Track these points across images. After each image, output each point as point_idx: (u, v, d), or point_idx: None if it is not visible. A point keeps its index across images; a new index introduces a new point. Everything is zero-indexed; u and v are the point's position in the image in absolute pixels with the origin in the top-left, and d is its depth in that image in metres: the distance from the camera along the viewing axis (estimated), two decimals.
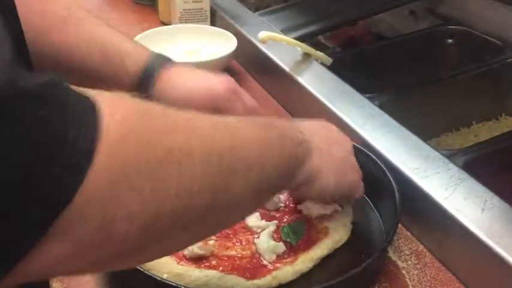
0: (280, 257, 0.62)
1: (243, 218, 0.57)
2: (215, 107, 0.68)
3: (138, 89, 0.67)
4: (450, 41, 1.12)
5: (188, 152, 0.36)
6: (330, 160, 0.58)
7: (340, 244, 0.65)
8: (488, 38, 1.05)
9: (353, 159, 0.63)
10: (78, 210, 0.30)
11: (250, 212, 0.55)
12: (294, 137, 0.52)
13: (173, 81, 0.69)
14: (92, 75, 0.67)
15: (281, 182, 0.51)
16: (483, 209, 0.62)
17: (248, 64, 1.07)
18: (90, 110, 0.32)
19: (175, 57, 1.05)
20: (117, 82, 0.67)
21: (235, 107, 0.70)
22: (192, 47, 1.09)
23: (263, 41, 0.94)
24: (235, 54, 1.03)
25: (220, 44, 1.06)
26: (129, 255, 0.35)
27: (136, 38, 1.05)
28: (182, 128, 0.37)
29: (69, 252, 0.31)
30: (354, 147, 0.74)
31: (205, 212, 0.38)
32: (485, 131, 0.97)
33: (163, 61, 0.71)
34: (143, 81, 0.68)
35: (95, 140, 0.31)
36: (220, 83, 0.72)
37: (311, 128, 0.58)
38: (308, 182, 0.55)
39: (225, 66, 1.03)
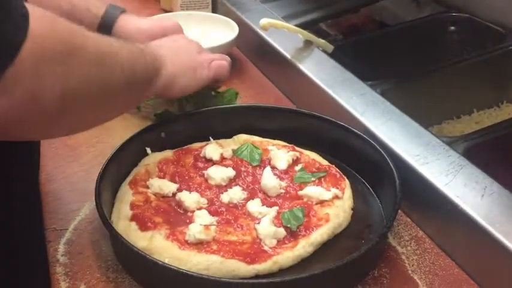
0: (280, 242, 0.63)
1: (126, 106, 0.70)
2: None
3: (100, 28, 0.83)
4: (452, 28, 1.12)
5: (89, 51, 0.53)
6: (180, 66, 0.74)
7: (340, 230, 0.66)
8: (491, 25, 1.05)
9: (201, 57, 0.79)
10: (14, 73, 0.45)
11: (127, 105, 0.69)
12: (151, 54, 0.68)
13: (131, 20, 0.86)
14: None
15: (146, 85, 0.68)
16: (483, 195, 0.63)
17: (249, 51, 1.07)
18: (25, 9, 0.47)
19: None
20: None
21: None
22: (193, 34, 1.09)
23: (264, 28, 0.94)
24: (236, 41, 1.03)
25: (222, 31, 1.06)
26: (49, 121, 0.52)
27: None
28: (91, 38, 0.55)
29: (5, 106, 0.46)
30: (354, 133, 0.74)
31: (98, 92, 0.55)
32: (486, 119, 0.97)
33: (120, 9, 0.87)
34: (105, 21, 0.84)
35: (26, 29, 0.46)
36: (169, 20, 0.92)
37: (163, 46, 0.75)
38: (168, 87, 0.72)
39: (226, 53, 1.03)
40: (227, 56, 0.84)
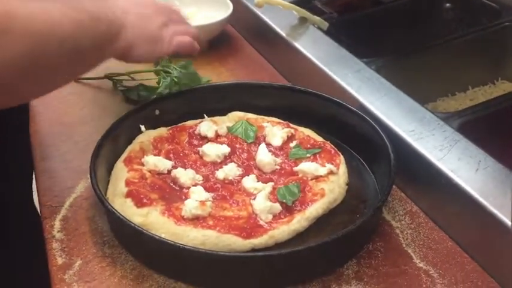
0: (276, 217, 0.63)
1: (67, 79, 0.66)
2: None
3: None
4: (448, 5, 1.11)
5: (21, 31, 0.53)
6: (142, 34, 0.71)
7: (335, 205, 0.66)
8: (486, 1, 1.04)
9: (165, 31, 0.74)
10: None
11: (72, 74, 0.67)
12: (105, 18, 0.65)
13: None
14: None
15: (97, 53, 0.66)
16: (477, 169, 0.63)
17: (244, 29, 1.06)
18: None
19: None
20: None
21: None
22: (187, 12, 1.08)
23: (259, 5, 0.93)
24: (230, 19, 1.02)
25: (216, 8, 1.05)
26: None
27: None
28: (26, 15, 0.53)
29: None
30: (349, 109, 0.74)
31: (33, 68, 0.55)
32: (481, 95, 0.97)
33: None
34: None
35: None
36: None
37: (126, 7, 0.71)
38: (123, 54, 0.70)
39: (220, 31, 1.02)
40: (195, 31, 0.80)
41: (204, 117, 0.78)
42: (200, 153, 0.73)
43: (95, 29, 0.63)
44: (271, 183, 0.67)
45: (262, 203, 0.63)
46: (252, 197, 0.65)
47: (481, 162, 0.64)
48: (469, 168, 0.63)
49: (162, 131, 0.75)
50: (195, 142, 0.75)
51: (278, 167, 0.71)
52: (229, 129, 0.77)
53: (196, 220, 0.61)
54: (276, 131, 0.75)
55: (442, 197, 0.65)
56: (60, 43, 0.57)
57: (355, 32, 1.01)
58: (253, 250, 0.60)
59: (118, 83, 0.90)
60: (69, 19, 0.59)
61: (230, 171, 0.69)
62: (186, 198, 0.65)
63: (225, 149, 0.73)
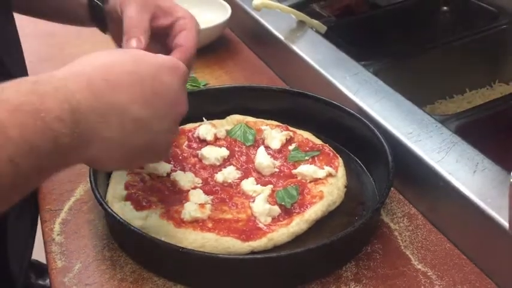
0: (275, 220, 0.63)
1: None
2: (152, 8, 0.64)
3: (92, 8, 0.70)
4: (445, 8, 1.11)
5: None
6: (119, 148, 0.49)
7: (334, 207, 0.67)
8: (483, 4, 1.05)
9: (163, 141, 0.53)
10: None
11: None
12: (44, 145, 0.42)
13: None
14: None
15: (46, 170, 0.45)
16: (475, 171, 0.64)
17: (242, 32, 1.07)
18: None
19: None
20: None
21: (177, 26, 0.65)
22: None
23: (257, 8, 0.94)
24: (229, 23, 1.03)
25: (214, 12, 1.05)
26: None
27: None
28: None
29: None
30: (347, 112, 0.75)
31: None
32: (478, 98, 0.98)
33: None
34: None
35: None
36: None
37: (117, 105, 0.47)
38: (88, 163, 0.51)
39: (219, 34, 1.03)
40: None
41: (203, 121, 0.79)
42: (199, 156, 0.73)
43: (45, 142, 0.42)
44: (270, 186, 0.68)
45: (261, 206, 0.63)
46: (251, 200, 0.65)
47: (478, 164, 0.64)
48: (466, 170, 0.64)
49: None
50: (194, 145, 0.75)
51: (277, 170, 0.71)
52: (228, 132, 0.77)
53: (195, 223, 0.62)
54: (274, 134, 0.76)
55: (440, 199, 0.66)
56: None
57: (353, 35, 1.01)
58: (253, 253, 0.60)
59: None
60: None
61: (229, 174, 0.70)
62: (186, 201, 0.65)
63: (224, 152, 0.73)
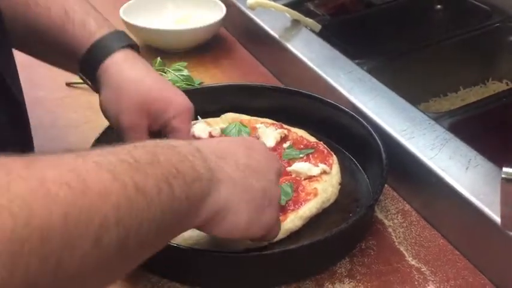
0: None
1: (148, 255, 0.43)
2: (146, 111, 0.62)
3: (84, 64, 0.64)
4: (439, 6, 1.12)
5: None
6: (244, 192, 0.48)
7: (328, 204, 0.67)
8: (477, 3, 1.06)
9: (275, 192, 0.52)
10: None
11: (154, 250, 0.44)
12: (189, 173, 0.43)
13: (124, 67, 0.62)
14: (46, 35, 0.63)
15: (180, 222, 0.44)
16: (467, 168, 0.64)
17: (237, 31, 1.07)
18: None
19: (165, 25, 1.06)
20: (69, 47, 0.63)
21: (169, 123, 0.62)
22: (181, 15, 1.09)
23: (252, 7, 0.94)
24: (224, 22, 1.03)
25: (209, 11, 1.06)
26: None
27: (125, 6, 1.04)
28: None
29: None
30: (341, 110, 0.75)
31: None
32: (472, 96, 0.98)
33: (124, 40, 0.64)
34: (92, 56, 0.62)
35: None
36: (160, 90, 0.63)
37: (226, 150, 0.50)
38: (214, 220, 0.47)
39: (213, 33, 1.03)
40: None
41: (197, 119, 0.79)
42: None
43: (165, 196, 0.40)
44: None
45: None
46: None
47: (471, 160, 0.65)
48: (459, 167, 0.64)
49: None
50: None
51: None
52: (223, 130, 0.77)
53: None
54: (269, 132, 0.76)
55: (433, 196, 0.66)
56: (99, 229, 0.35)
57: (348, 34, 1.02)
58: (247, 250, 0.60)
59: None
60: (127, 194, 0.37)
61: None
62: None
63: None
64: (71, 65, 0.67)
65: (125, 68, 0.62)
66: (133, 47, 0.66)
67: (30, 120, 0.80)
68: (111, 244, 0.35)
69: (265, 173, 0.52)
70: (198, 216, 0.45)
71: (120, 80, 0.62)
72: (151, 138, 0.62)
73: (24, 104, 0.61)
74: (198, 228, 0.49)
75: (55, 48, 0.65)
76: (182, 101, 0.64)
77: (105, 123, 0.72)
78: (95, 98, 0.69)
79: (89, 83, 0.66)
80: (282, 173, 0.56)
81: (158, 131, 0.64)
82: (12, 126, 0.57)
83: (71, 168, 0.35)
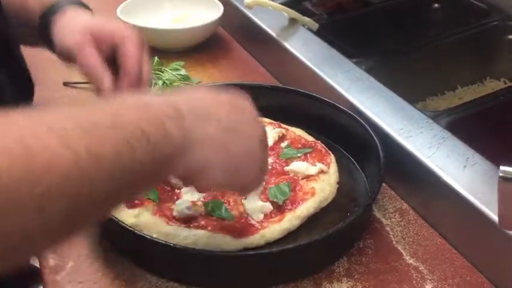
0: (267, 217, 0.64)
1: (107, 214, 0.49)
2: (90, 35, 0.63)
3: (40, 26, 0.68)
4: (436, 5, 1.12)
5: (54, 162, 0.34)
6: (223, 152, 0.49)
7: (326, 203, 0.67)
8: (474, 2, 1.06)
9: (259, 154, 0.52)
10: None
11: (112, 209, 0.48)
12: (155, 134, 0.42)
13: (74, 15, 0.66)
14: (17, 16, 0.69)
15: (145, 181, 0.44)
16: (465, 166, 0.64)
17: (234, 30, 1.07)
18: None
19: (162, 24, 1.06)
20: (29, 18, 0.69)
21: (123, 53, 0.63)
22: (178, 14, 1.09)
23: (249, 6, 0.94)
24: (221, 21, 1.03)
25: (207, 10, 1.05)
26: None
27: (122, 6, 1.04)
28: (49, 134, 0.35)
29: None
30: (339, 109, 0.75)
31: (66, 214, 0.36)
32: (470, 95, 0.98)
33: (71, 2, 0.68)
34: (45, 16, 0.67)
35: None
36: (109, 23, 0.66)
37: (208, 110, 0.48)
38: (191, 177, 0.49)
39: (211, 32, 1.03)
40: None
41: None
42: None
43: (151, 147, 0.42)
44: (262, 183, 0.68)
45: (254, 203, 0.64)
46: (243, 197, 0.66)
47: (469, 159, 0.65)
48: (457, 165, 0.64)
49: None
50: None
51: (269, 167, 0.71)
52: None
53: (188, 220, 0.62)
54: (267, 131, 0.76)
55: (431, 194, 0.66)
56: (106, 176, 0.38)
57: (345, 33, 1.02)
58: (245, 249, 0.60)
59: None
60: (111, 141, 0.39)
61: None
62: (178, 198, 0.65)
63: None
64: (34, 37, 0.70)
65: (73, 14, 0.67)
66: (86, 7, 0.70)
67: None
68: (54, 212, 0.35)
69: (249, 129, 0.52)
70: (171, 174, 0.47)
71: (68, 20, 0.66)
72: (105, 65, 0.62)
73: (28, 71, 0.66)
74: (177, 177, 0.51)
75: (18, 22, 0.69)
76: (128, 30, 0.64)
77: None
78: (92, 98, 0.69)
79: (48, 46, 0.69)
80: (266, 137, 0.56)
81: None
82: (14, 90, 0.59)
83: (18, 135, 0.35)
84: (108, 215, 0.46)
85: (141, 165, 0.41)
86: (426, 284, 0.58)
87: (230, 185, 0.53)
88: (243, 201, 0.65)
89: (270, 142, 0.75)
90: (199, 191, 0.54)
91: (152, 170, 0.43)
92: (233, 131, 0.50)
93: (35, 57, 0.75)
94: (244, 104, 0.53)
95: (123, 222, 0.59)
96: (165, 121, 0.43)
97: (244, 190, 0.56)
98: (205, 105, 0.49)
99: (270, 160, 0.72)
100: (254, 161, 0.52)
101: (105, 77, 0.61)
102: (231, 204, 0.65)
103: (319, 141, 0.75)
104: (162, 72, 0.91)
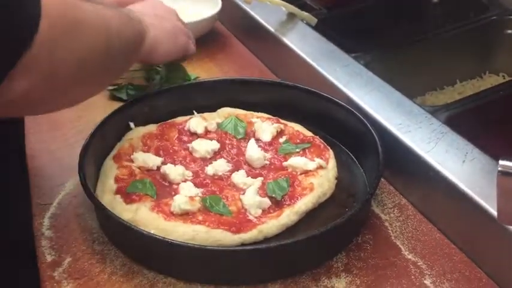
0: (265, 212, 0.63)
1: (120, 73, 0.72)
2: None
3: None
4: (435, 0, 1.12)
5: (91, 23, 0.55)
6: (162, 31, 0.75)
7: (324, 199, 0.67)
8: None
9: (180, 26, 0.81)
10: (32, 54, 0.47)
11: (123, 68, 0.70)
12: (136, 19, 0.69)
13: None
14: None
15: (135, 51, 0.68)
16: (464, 161, 0.64)
17: (233, 25, 1.07)
18: None
19: None
20: None
21: None
22: (176, 9, 1.08)
23: (247, 1, 0.94)
24: (219, 16, 1.02)
25: (205, 5, 1.05)
26: (61, 94, 0.55)
27: None
28: (88, 9, 0.55)
29: (29, 83, 0.49)
30: (338, 104, 0.75)
31: (104, 60, 0.58)
32: (469, 89, 0.98)
33: None
34: None
35: (39, 11, 0.47)
36: None
37: (142, 10, 0.75)
38: (151, 52, 0.73)
39: (209, 27, 1.02)
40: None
41: (193, 114, 0.79)
42: (190, 149, 0.73)
43: (131, 26, 0.66)
44: (260, 178, 0.67)
45: (252, 198, 0.63)
46: (242, 192, 0.65)
47: (467, 154, 0.65)
48: (456, 160, 0.64)
49: (152, 127, 0.75)
50: (185, 138, 0.75)
51: (267, 162, 0.71)
52: (219, 125, 0.77)
53: (185, 215, 0.62)
54: (265, 126, 0.76)
55: (430, 189, 0.66)
56: (118, 35, 0.60)
57: (344, 27, 1.01)
58: (243, 245, 0.60)
59: None
60: (115, 15, 0.61)
61: (220, 166, 0.70)
62: (176, 194, 0.65)
63: (214, 145, 0.73)
64: None
65: None
66: None
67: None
68: (115, 50, 0.60)
69: (169, 17, 0.81)
70: (142, 49, 0.70)
71: None
72: None
73: None
74: (143, 61, 0.79)
75: None
76: None
77: (100, 118, 0.72)
78: None
79: None
80: (178, 17, 0.84)
81: None
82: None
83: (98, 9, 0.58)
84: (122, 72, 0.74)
85: (135, 35, 0.67)
86: (425, 279, 0.58)
87: (176, 51, 0.79)
88: (241, 196, 0.65)
89: (269, 137, 0.74)
90: (157, 62, 0.80)
91: (139, 42, 0.69)
92: (163, 18, 0.78)
93: None
94: (153, 2, 0.82)
95: (121, 218, 0.59)
96: (134, 18, 0.68)
97: (186, 52, 0.81)
98: (143, 10, 0.76)
99: (268, 155, 0.72)
100: (182, 29, 0.81)
101: None
102: (229, 199, 0.65)
103: (317, 137, 0.75)
104: (160, 67, 0.91)
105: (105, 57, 0.58)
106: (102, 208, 0.60)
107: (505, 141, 0.76)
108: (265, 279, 0.58)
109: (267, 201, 0.64)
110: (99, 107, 0.81)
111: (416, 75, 0.95)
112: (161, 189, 0.66)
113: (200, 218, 0.62)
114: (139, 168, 0.69)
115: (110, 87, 0.88)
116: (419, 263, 0.60)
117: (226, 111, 0.79)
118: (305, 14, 0.98)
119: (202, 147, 0.72)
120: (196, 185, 0.66)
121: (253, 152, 0.71)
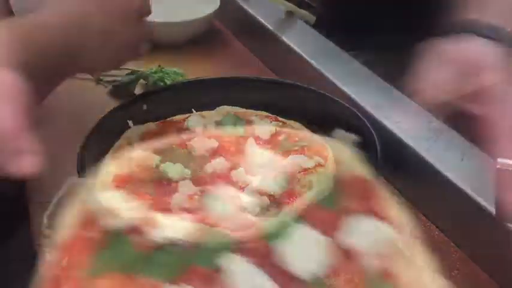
0: (264, 210, 0.63)
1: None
2: None
3: None
4: None
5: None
6: (99, 38, 0.68)
7: (323, 197, 0.66)
8: None
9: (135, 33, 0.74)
10: None
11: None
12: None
13: None
14: None
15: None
16: (462, 159, 0.64)
17: (231, 23, 1.07)
18: None
19: (157, 17, 1.05)
20: None
21: None
22: (173, 6, 1.08)
23: None
24: (217, 13, 1.02)
25: (203, 3, 1.05)
26: None
27: None
28: None
29: None
30: (336, 102, 0.75)
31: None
32: None
33: None
34: None
35: None
36: None
37: (87, 15, 0.67)
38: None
39: (207, 25, 1.03)
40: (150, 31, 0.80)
41: (192, 112, 0.79)
42: (188, 147, 0.73)
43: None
44: (259, 176, 0.67)
45: (250, 196, 0.63)
46: (241, 190, 0.65)
47: (466, 151, 0.65)
48: (454, 158, 0.64)
49: (150, 126, 0.75)
50: (184, 137, 0.75)
51: (266, 161, 0.71)
52: (217, 123, 0.77)
53: (184, 214, 0.61)
54: (264, 124, 0.76)
55: (428, 187, 0.66)
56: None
57: (343, 25, 1.01)
58: (241, 243, 0.60)
59: (102, 78, 0.90)
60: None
61: (218, 165, 0.69)
62: (175, 192, 0.65)
63: (213, 143, 0.73)
64: None
65: None
66: None
67: None
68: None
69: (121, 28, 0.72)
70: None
71: None
72: None
73: None
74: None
75: None
76: None
77: (98, 116, 0.72)
78: (86, 91, 0.69)
79: None
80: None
81: None
82: None
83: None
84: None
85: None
86: None
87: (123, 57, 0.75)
88: (240, 194, 0.65)
89: (267, 136, 0.74)
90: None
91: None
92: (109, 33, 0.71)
93: None
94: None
95: (120, 216, 0.59)
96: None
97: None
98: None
99: (267, 153, 0.72)
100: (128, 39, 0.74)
101: None
102: (228, 197, 0.65)
103: (316, 135, 0.75)
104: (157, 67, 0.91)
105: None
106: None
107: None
108: None
109: (265, 199, 0.64)
110: (97, 106, 0.81)
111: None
112: (160, 187, 0.66)
113: (199, 216, 0.61)
114: (138, 166, 0.69)
115: (111, 83, 0.88)
116: None
117: (225, 109, 0.79)
118: (303, 11, 0.98)
119: (201, 145, 0.72)
120: (195, 183, 0.66)
121: (252, 150, 0.71)
